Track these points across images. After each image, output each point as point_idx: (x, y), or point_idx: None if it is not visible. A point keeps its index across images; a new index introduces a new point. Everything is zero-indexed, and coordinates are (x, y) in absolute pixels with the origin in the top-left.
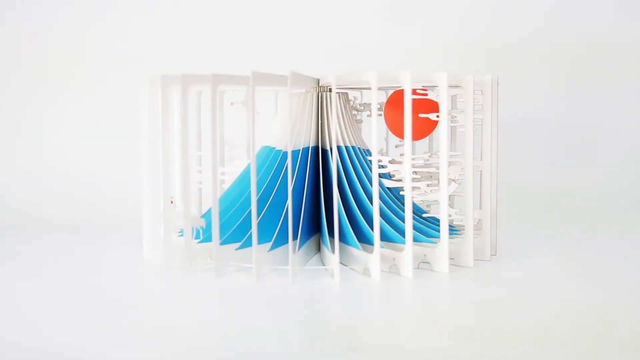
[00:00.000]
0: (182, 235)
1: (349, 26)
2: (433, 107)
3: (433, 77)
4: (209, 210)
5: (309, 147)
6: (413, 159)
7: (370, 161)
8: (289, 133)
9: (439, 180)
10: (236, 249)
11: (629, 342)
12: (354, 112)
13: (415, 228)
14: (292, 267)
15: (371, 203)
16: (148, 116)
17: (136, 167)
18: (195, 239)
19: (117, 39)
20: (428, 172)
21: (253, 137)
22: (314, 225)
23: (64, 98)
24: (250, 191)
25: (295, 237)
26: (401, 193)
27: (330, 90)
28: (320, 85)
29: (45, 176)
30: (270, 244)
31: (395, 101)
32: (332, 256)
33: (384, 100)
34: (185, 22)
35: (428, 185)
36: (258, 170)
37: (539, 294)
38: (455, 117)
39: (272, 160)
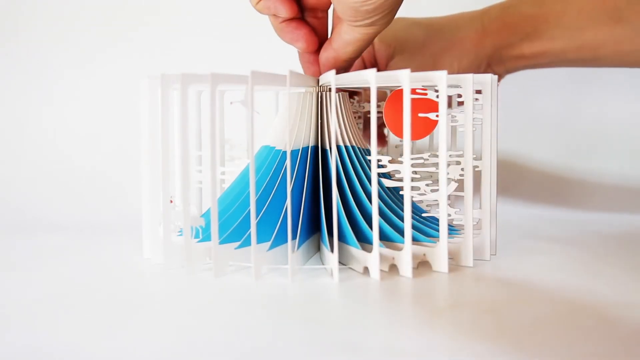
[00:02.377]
0: (181, 235)
1: None
2: (433, 106)
3: (433, 77)
4: (209, 210)
5: (308, 147)
6: (412, 159)
7: (370, 161)
8: (288, 132)
9: (438, 180)
10: (235, 248)
11: (630, 341)
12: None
13: (414, 227)
14: (291, 267)
15: (370, 202)
16: (148, 115)
17: (136, 166)
18: (195, 238)
19: (115, 36)
20: (428, 171)
21: (252, 137)
22: (313, 224)
23: (61, 95)
24: (249, 191)
25: (294, 237)
26: (401, 193)
27: (329, 89)
28: (319, 84)
29: (41, 174)
30: (269, 243)
31: (394, 101)
32: (331, 255)
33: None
34: (184, 20)
35: (427, 185)
36: (257, 170)
37: (540, 294)
38: (455, 116)
39: (271, 160)
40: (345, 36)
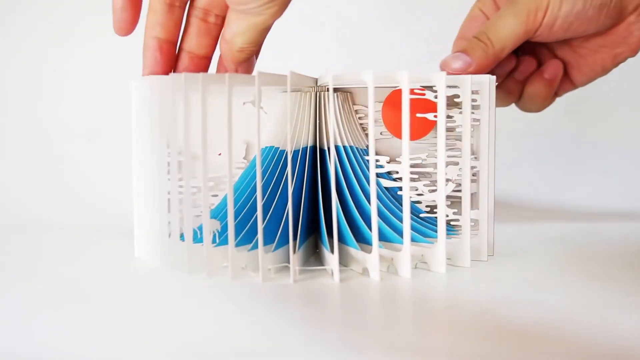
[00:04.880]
0: (183, 240)
1: (347, 25)
2: (430, 107)
3: (431, 77)
4: (217, 212)
5: (306, 147)
6: (411, 159)
7: (368, 161)
8: (289, 133)
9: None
10: (249, 250)
11: (629, 342)
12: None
13: (412, 228)
14: (292, 267)
15: (369, 203)
16: (158, 116)
17: (134, 166)
18: (212, 242)
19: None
20: (427, 172)
21: (259, 137)
22: (311, 225)
23: (58, 95)
24: (249, 192)
25: (295, 238)
26: (399, 193)
27: (328, 90)
28: (318, 85)
29: (38, 174)
30: (273, 245)
31: (392, 101)
32: (331, 256)
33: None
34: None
35: (425, 186)
36: (253, 170)
37: (537, 295)
38: (453, 117)
39: (269, 161)
40: (233, 26)
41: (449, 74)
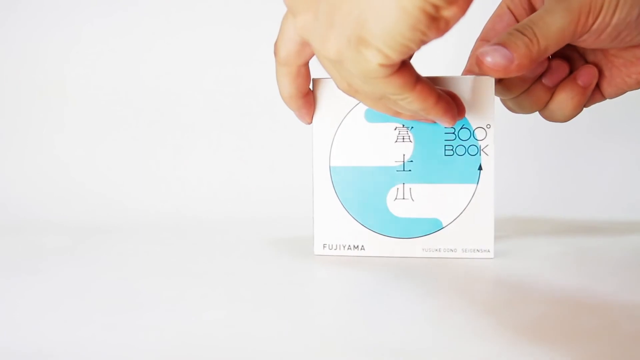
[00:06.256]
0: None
1: None
2: None
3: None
4: None
5: None
6: None
7: None
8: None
9: None
10: None
11: (632, 342)
12: None
13: None
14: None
15: None
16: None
17: (138, 165)
18: None
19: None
20: None
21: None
22: None
23: (59, 94)
24: None
25: None
26: None
27: None
28: None
29: (38, 174)
30: None
31: None
32: None
33: None
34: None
35: None
36: None
37: (540, 294)
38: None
39: None
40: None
41: (478, 72)
